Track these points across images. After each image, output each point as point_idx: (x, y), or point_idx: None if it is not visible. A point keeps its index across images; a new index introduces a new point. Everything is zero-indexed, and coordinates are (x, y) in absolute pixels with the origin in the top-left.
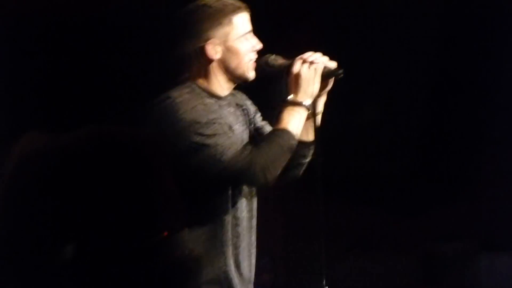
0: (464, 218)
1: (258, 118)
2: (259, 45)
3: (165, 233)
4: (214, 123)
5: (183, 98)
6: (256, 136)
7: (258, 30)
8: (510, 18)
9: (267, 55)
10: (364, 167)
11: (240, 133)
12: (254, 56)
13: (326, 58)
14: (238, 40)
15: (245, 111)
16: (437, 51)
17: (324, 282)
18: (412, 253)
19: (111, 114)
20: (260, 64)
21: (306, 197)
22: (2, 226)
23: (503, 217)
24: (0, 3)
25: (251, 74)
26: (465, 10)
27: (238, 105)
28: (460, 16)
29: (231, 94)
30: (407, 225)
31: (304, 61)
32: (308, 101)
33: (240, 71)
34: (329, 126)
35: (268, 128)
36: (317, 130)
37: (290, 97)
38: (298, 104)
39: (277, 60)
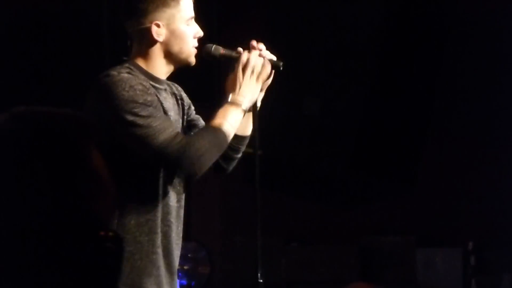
0: (401, 213)
1: (192, 111)
2: (200, 33)
3: (101, 233)
4: (150, 105)
5: (121, 76)
6: (187, 128)
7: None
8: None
9: (209, 45)
10: (303, 160)
11: (174, 121)
12: (195, 42)
13: (267, 51)
14: (183, 24)
15: (180, 102)
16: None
17: (259, 275)
18: (349, 246)
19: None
20: (201, 53)
21: (243, 191)
22: None
23: (440, 213)
24: None
25: (193, 58)
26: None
27: (174, 94)
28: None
29: (168, 83)
30: (345, 219)
31: (251, 50)
32: (246, 103)
33: (183, 55)
34: (268, 119)
35: (201, 122)
36: (255, 125)
37: (232, 96)
38: (238, 104)
39: (218, 50)
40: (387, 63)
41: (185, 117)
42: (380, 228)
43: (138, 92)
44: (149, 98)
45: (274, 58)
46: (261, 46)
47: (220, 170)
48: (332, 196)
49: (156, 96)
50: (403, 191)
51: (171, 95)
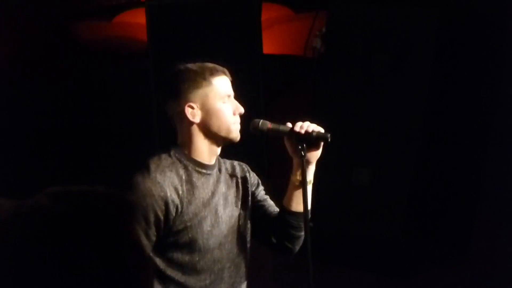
0: (455, 280)
1: (260, 191)
2: (241, 109)
3: None
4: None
5: (146, 185)
6: (254, 208)
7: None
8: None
9: (256, 120)
10: (354, 230)
11: (218, 205)
12: (237, 119)
13: (314, 125)
14: (217, 102)
15: (242, 182)
16: (427, 113)
17: None
18: None
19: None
20: (252, 128)
21: (296, 263)
22: None
23: (494, 281)
24: None
25: (235, 135)
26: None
27: (234, 176)
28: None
29: (227, 165)
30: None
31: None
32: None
33: (222, 133)
34: (318, 191)
35: (268, 203)
36: (306, 199)
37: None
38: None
39: (265, 124)
40: (435, 129)
41: (249, 198)
42: None
43: (146, 208)
44: (150, 219)
45: (322, 130)
46: (306, 123)
47: (287, 251)
48: (385, 265)
49: (194, 187)
50: (457, 258)
51: (230, 177)
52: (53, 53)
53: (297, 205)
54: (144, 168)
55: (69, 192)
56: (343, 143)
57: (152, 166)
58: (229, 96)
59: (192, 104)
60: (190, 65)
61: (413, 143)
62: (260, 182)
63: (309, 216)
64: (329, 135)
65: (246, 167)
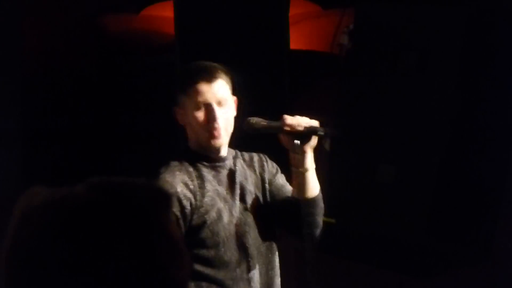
0: (477, 281)
1: (277, 178)
2: (215, 124)
3: None
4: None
5: (163, 174)
6: (272, 195)
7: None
8: None
9: (249, 119)
10: (377, 228)
11: (235, 195)
12: (211, 127)
13: (304, 119)
14: (192, 111)
15: (259, 172)
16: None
17: None
18: None
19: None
20: (246, 127)
21: (318, 259)
22: (8, 283)
23: None
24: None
25: (211, 144)
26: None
27: (251, 166)
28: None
29: (243, 156)
30: (421, 287)
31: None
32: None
33: (200, 140)
34: (341, 187)
35: (286, 189)
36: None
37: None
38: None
39: (260, 123)
40: (462, 129)
41: (267, 185)
42: None
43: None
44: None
45: (313, 124)
46: (296, 118)
47: (307, 237)
48: (407, 264)
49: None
50: (479, 257)
51: (248, 167)
52: (80, 45)
53: (301, 193)
54: (155, 174)
55: (108, 182)
56: (368, 141)
57: (162, 170)
58: (209, 105)
59: (177, 107)
60: (189, 65)
61: (438, 141)
62: (279, 170)
63: (318, 203)
64: (322, 129)
65: (264, 156)
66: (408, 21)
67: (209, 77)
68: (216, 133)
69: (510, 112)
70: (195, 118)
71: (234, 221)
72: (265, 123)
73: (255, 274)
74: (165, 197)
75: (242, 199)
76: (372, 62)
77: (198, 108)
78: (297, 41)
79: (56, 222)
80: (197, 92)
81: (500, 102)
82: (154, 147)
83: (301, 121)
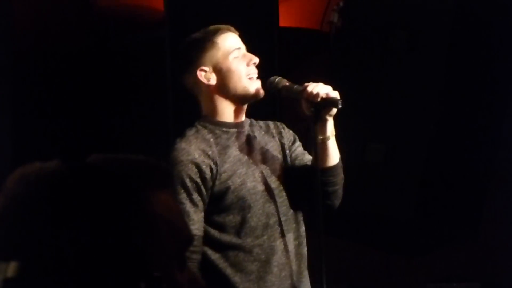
0: (466, 260)
1: (296, 146)
2: (254, 59)
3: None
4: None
5: (173, 155)
6: (292, 163)
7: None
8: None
9: (273, 77)
10: (366, 207)
11: (257, 160)
12: (253, 70)
13: (327, 87)
14: (227, 59)
15: (279, 138)
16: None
17: None
18: None
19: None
20: (268, 86)
21: (308, 237)
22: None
23: (505, 260)
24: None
25: (254, 89)
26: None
27: (270, 133)
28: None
29: (260, 124)
30: (409, 266)
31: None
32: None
33: (240, 90)
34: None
35: (306, 157)
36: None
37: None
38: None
39: (282, 82)
40: (451, 108)
41: (287, 151)
42: (444, 275)
43: (179, 175)
44: (187, 184)
45: (334, 94)
46: (318, 85)
47: (327, 207)
48: (396, 243)
49: (223, 151)
50: (467, 237)
51: (265, 133)
52: (68, 19)
53: (322, 162)
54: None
55: (104, 158)
56: (357, 119)
57: (178, 139)
58: (238, 48)
59: (203, 67)
60: (194, 34)
61: (428, 120)
62: (297, 138)
63: (339, 172)
64: (339, 100)
65: (280, 124)
66: None
67: (229, 28)
68: (257, 80)
69: (500, 91)
70: (232, 64)
71: (259, 187)
72: (287, 84)
73: (283, 243)
74: (160, 173)
75: (265, 164)
76: (362, 41)
77: (232, 56)
78: (286, 18)
79: (45, 196)
80: (226, 40)
81: (490, 79)
82: (142, 121)
83: (322, 90)
